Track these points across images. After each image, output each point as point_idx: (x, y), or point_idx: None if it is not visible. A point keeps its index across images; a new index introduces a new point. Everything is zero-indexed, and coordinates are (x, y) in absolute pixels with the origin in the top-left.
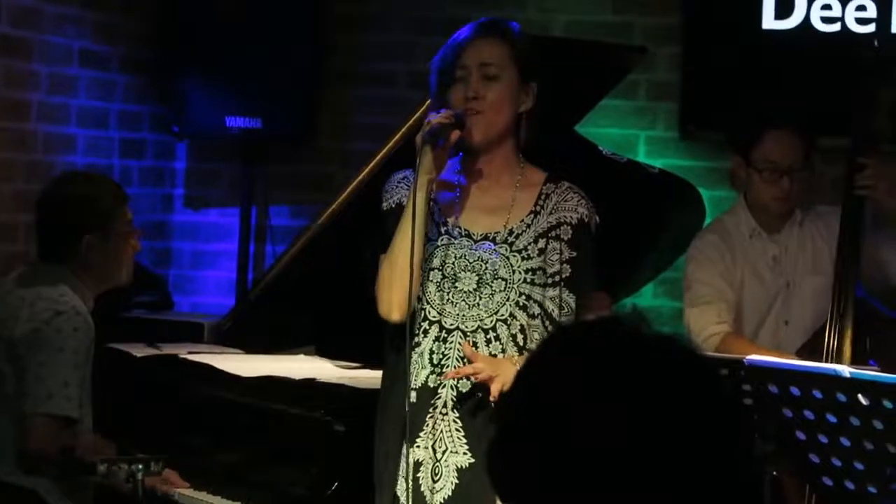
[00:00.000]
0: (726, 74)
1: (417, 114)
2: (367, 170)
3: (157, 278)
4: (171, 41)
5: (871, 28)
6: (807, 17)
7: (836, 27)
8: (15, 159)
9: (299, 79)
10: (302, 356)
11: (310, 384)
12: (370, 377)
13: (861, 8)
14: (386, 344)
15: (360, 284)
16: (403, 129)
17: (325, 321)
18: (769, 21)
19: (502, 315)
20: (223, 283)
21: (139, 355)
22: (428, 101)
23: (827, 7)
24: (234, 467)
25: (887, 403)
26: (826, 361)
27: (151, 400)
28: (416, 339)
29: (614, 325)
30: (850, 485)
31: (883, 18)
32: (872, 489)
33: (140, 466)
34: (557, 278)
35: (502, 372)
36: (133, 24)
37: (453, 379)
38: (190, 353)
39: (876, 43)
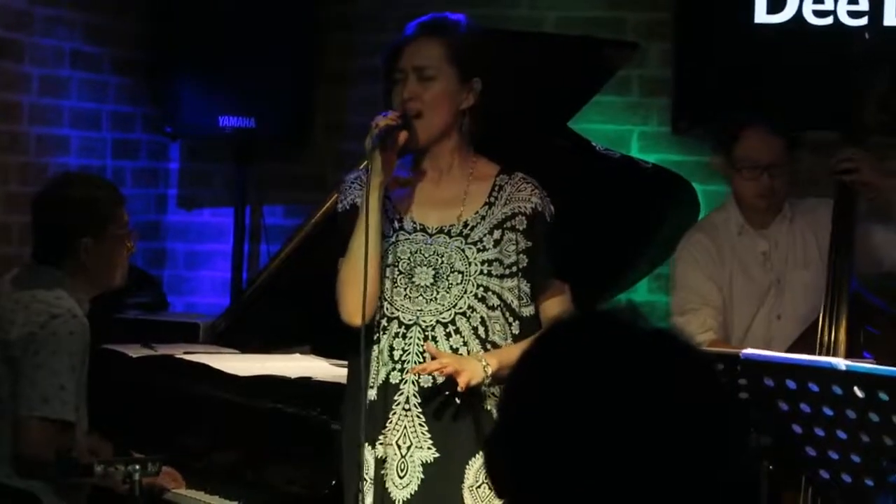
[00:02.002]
0: (719, 69)
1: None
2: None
3: (152, 279)
4: (164, 42)
5: (863, 21)
6: (799, 11)
7: (829, 21)
8: (8, 161)
9: (292, 78)
10: (297, 355)
11: (305, 383)
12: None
13: (853, 1)
14: (350, 343)
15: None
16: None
17: (320, 320)
18: (761, 15)
19: (461, 308)
20: (218, 283)
21: (134, 356)
22: None
23: (819, 1)
24: (230, 467)
25: (883, 396)
26: (820, 355)
27: (147, 400)
28: (376, 336)
29: (609, 319)
30: (846, 478)
31: (875, 12)
32: (869, 482)
33: (137, 467)
34: (515, 269)
35: (469, 367)
36: (125, 25)
37: (416, 374)
38: (185, 353)
39: (866, 36)
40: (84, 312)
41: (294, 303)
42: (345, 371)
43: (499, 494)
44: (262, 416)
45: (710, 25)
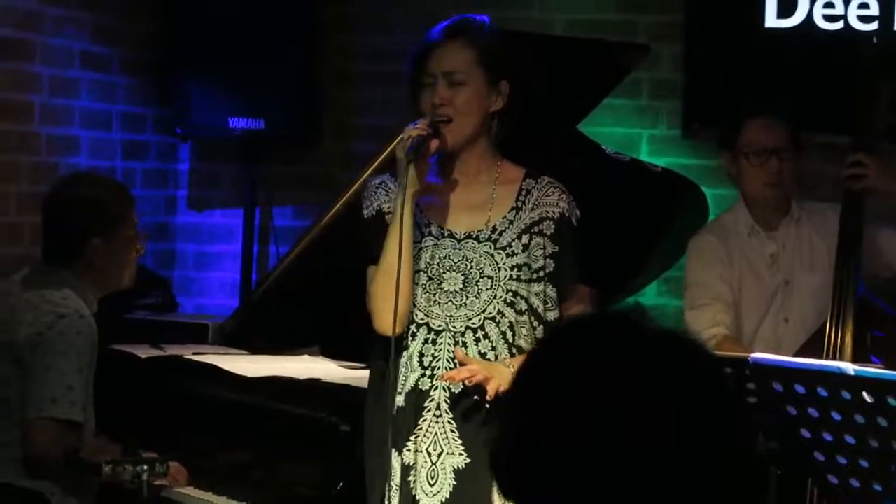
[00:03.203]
0: (729, 73)
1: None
2: (369, 170)
3: (161, 280)
4: (173, 43)
5: (873, 26)
6: (809, 15)
7: (839, 25)
8: (18, 161)
9: (302, 79)
10: (306, 357)
11: (314, 384)
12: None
13: (864, 6)
14: (375, 349)
15: (359, 287)
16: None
17: (329, 321)
18: (772, 19)
19: (490, 313)
20: (227, 284)
21: (143, 356)
22: None
23: (829, 5)
24: (238, 468)
25: (892, 401)
26: (827, 359)
27: (156, 401)
28: (405, 342)
29: (619, 320)
30: (855, 483)
31: (885, 16)
32: (878, 487)
33: (145, 467)
34: (542, 273)
35: (497, 374)
36: (134, 25)
37: (447, 381)
38: (194, 354)
39: (875, 40)
40: (92, 312)
41: (303, 304)
42: (354, 373)
43: (504, 494)
44: (270, 417)
45: (721, 29)
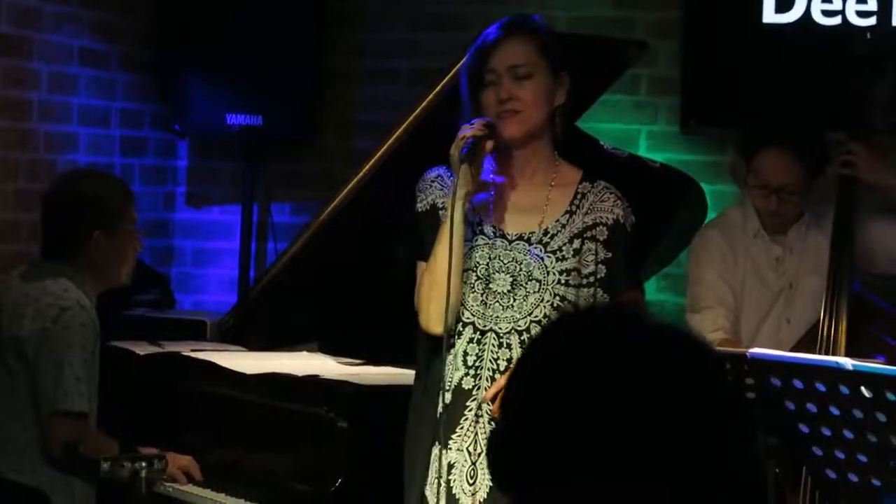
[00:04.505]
0: (727, 69)
1: (417, 110)
2: (367, 167)
3: (160, 276)
4: (172, 39)
5: (871, 21)
6: (807, 11)
7: (837, 20)
8: (17, 158)
9: (300, 76)
10: (305, 353)
11: (313, 381)
12: (373, 374)
13: (861, 1)
14: (419, 344)
15: (363, 281)
16: (404, 126)
17: (328, 318)
18: (770, 15)
19: (536, 316)
20: (225, 280)
21: (142, 353)
22: (429, 97)
23: (827, 0)
24: (237, 464)
25: (890, 396)
26: (820, 352)
27: (155, 398)
28: (451, 341)
29: (617, 313)
30: (853, 477)
31: (883, 11)
32: (876, 482)
33: (143, 464)
34: (592, 279)
35: None
36: (133, 22)
37: (488, 381)
38: (192, 350)
39: (868, 36)
40: (91, 306)
41: (302, 300)
42: (352, 369)
43: (502, 490)
44: (269, 413)
45: (719, 25)
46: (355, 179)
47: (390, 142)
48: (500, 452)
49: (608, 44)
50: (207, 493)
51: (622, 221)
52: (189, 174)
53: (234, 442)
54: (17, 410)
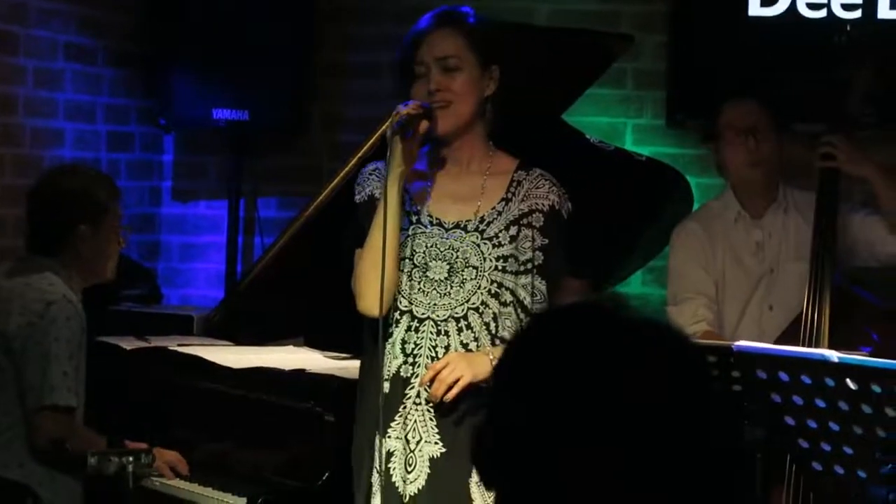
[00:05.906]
0: (713, 62)
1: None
2: (353, 161)
3: (146, 271)
4: (158, 34)
5: (857, 14)
6: (793, 4)
7: (822, 13)
8: (2, 154)
9: (287, 71)
10: (291, 347)
11: (299, 375)
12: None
13: None
14: (364, 334)
15: (345, 276)
16: (389, 121)
17: (314, 312)
18: (755, 8)
19: (473, 303)
20: (212, 275)
21: (129, 348)
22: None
23: None
24: (224, 458)
25: (876, 388)
26: (805, 344)
27: (141, 392)
28: (389, 329)
29: (594, 309)
30: (839, 469)
31: (868, 4)
32: (862, 474)
33: (130, 459)
34: (530, 265)
35: (477, 363)
36: (119, 17)
37: (425, 372)
38: (180, 345)
39: (848, 28)
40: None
41: (288, 295)
42: (338, 363)
43: (486, 485)
44: (256, 407)
45: (704, 18)
46: (341, 173)
47: (377, 135)
48: (484, 451)
49: (593, 37)
50: (194, 488)
51: (557, 208)
52: (175, 169)
53: (221, 436)
54: (4, 405)
